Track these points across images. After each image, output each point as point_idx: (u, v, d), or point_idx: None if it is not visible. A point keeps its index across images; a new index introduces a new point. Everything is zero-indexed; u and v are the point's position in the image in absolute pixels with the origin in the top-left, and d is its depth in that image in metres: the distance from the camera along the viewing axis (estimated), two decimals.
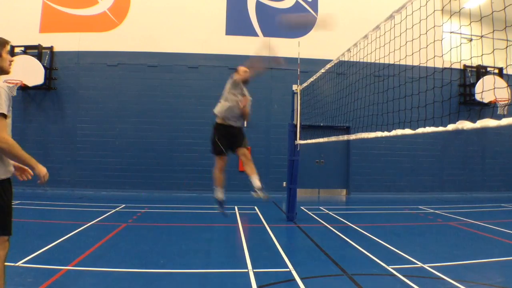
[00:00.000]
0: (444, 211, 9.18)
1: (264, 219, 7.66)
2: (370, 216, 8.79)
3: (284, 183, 10.97)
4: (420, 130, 3.50)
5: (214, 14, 12.25)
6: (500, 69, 12.79)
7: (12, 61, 2.82)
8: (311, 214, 8.41)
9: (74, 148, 11.61)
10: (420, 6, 4.11)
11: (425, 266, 4.53)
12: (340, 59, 6.12)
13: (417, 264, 4.61)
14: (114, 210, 8.29)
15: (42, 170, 2.74)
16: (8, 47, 2.78)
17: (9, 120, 2.64)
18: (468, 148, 13.01)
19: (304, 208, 9.14)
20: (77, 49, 11.81)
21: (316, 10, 12.62)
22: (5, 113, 2.53)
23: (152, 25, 12.01)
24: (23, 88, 11.14)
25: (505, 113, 11.54)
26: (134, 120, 11.76)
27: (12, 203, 2.70)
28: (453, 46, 12.13)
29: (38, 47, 11.43)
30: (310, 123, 8.88)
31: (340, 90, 6.97)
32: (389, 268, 4.44)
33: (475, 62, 12.32)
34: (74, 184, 11.48)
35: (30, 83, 10.75)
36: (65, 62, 11.77)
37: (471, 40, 12.92)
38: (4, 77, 2.86)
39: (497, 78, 12.36)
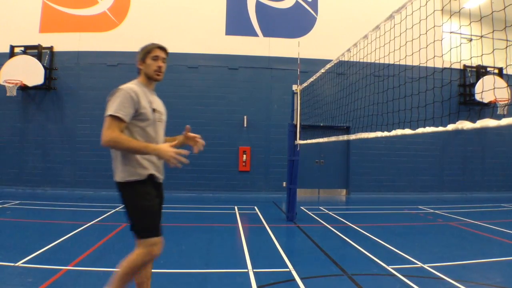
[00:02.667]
0: (444, 211, 9.19)
1: (264, 219, 7.66)
2: (370, 216, 8.78)
3: (284, 183, 10.98)
4: (420, 130, 3.51)
5: (214, 14, 12.25)
6: (500, 69, 12.79)
7: (160, 66, 2.64)
8: (311, 214, 8.41)
9: (74, 148, 11.61)
10: (420, 6, 4.12)
11: (425, 266, 4.53)
12: (340, 59, 6.12)
13: (417, 264, 4.61)
14: (114, 210, 8.29)
15: (166, 152, 2.43)
16: (155, 52, 2.63)
17: (146, 126, 2.60)
18: (468, 148, 13.01)
19: (304, 208, 9.14)
20: (77, 49, 11.81)
21: (316, 10, 12.62)
22: (114, 114, 2.43)
23: (152, 25, 12.01)
24: (23, 88, 11.12)
25: (505, 113, 11.55)
26: None
27: (160, 207, 2.74)
28: (453, 46, 12.15)
29: (38, 47, 11.41)
30: (310, 123, 8.89)
31: (340, 90, 6.98)
32: (389, 268, 4.44)
33: (475, 62, 12.33)
34: (74, 184, 11.48)
35: (30, 83, 10.72)
36: (65, 62, 11.77)
37: (471, 40, 12.93)
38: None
39: (497, 78, 12.37)
